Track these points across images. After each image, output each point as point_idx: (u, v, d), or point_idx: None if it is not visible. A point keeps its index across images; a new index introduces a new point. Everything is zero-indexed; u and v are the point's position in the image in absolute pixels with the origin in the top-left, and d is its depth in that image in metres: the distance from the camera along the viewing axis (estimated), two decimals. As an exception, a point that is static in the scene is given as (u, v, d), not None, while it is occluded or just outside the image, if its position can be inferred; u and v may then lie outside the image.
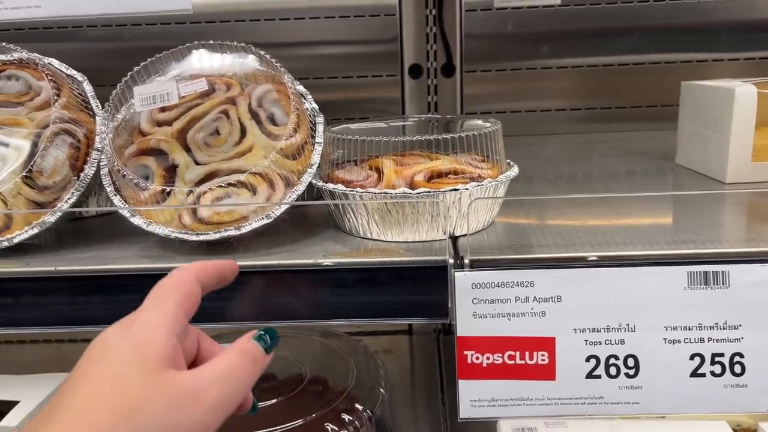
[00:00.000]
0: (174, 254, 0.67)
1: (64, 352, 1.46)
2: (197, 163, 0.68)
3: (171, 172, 0.68)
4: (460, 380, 0.62)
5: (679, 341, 0.60)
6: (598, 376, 0.61)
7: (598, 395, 0.61)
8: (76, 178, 0.70)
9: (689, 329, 0.60)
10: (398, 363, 1.38)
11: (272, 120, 0.71)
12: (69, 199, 0.69)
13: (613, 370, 0.61)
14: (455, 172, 0.69)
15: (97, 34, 1.24)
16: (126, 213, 0.67)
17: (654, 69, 1.28)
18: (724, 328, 0.60)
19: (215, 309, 0.64)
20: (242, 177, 0.66)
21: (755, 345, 0.60)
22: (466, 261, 0.62)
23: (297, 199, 0.68)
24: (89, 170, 0.70)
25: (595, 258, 0.62)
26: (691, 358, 0.60)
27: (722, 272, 0.60)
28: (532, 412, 0.62)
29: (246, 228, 0.66)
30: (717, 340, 0.60)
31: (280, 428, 0.81)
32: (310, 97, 0.76)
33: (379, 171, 0.70)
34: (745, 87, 0.83)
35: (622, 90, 1.29)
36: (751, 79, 0.89)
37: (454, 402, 1.19)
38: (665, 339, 0.61)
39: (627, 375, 0.61)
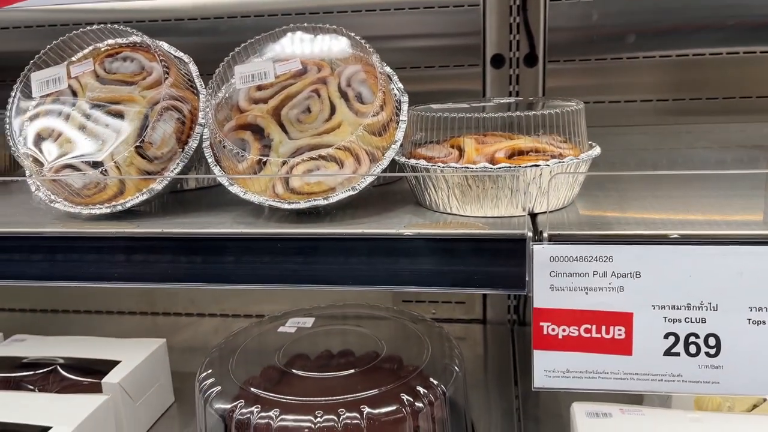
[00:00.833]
0: (266, 221, 0.72)
1: (158, 323, 1.57)
2: (290, 138, 0.73)
3: (266, 146, 0.73)
4: (535, 350, 0.63)
5: (765, 322, 0.59)
6: (677, 354, 0.61)
7: (676, 373, 0.61)
8: (181, 150, 0.76)
9: (775, 310, 0.59)
10: (472, 350, 1.39)
11: (360, 99, 0.75)
12: (174, 169, 0.76)
13: (692, 348, 0.61)
14: (536, 151, 0.70)
15: (196, 27, 1.33)
16: (225, 181, 0.72)
17: (749, 59, 1.23)
18: (813, 311, 0.59)
19: (305, 273, 0.69)
20: (330, 151, 0.70)
21: None
22: (545, 235, 0.63)
23: (381, 173, 0.71)
24: (193, 143, 0.77)
25: (676, 236, 0.62)
26: (776, 339, 0.59)
27: (813, 253, 0.58)
28: (606, 385, 0.62)
29: (333, 198, 0.70)
30: (805, 323, 0.59)
31: (358, 396, 0.85)
32: (396, 78, 0.79)
33: (460, 149, 0.73)
34: None
35: (713, 81, 1.25)
36: None
37: (528, 393, 1.20)
38: (749, 319, 0.60)
39: (707, 354, 0.61)
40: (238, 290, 1.08)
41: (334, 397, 0.85)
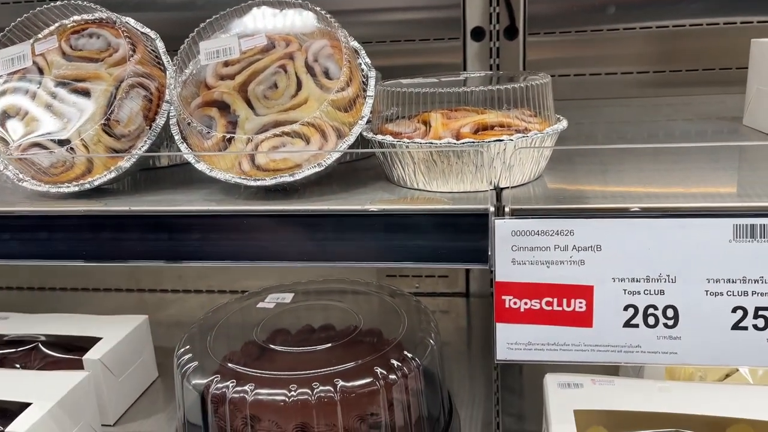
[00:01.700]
0: (235, 199, 0.73)
1: (143, 299, 1.58)
2: (256, 115, 0.73)
3: (232, 122, 0.73)
4: (497, 323, 0.64)
5: (722, 294, 0.60)
6: (636, 326, 0.62)
7: (635, 344, 0.62)
8: (148, 127, 0.76)
9: (732, 282, 0.60)
10: (455, 323, 1.41)
11: (327, 74, 0.74)
12: (142, 147, 0.75)
13: (651, 320, 0.62)
14: (502, 126, 0.70)
15: (168, 2, 1.31)
16: (191, 158, 0.73)
17: (729, 30, 1.22)
18: (769, 282, 0.59)
19: (271, 250, 0.69)
20: (296, 127, 0.70)
21: (802, 300, 0.59)
22: (507, 210, 0.64)
23: (347, 149, 0.71)
24: (160, 120, 0.76)
25: (637, 209, 0.62)
26: (734, 311, 0.60)
27: (769, 225, 0.59)
28: (567, 357, 0.63)
29: (299, 175, 0.70)
30: (762, 294, 0.60)
31: (332, 369, 0.86)
32: (364, 53, 0.79)
33: (427, 124, 0.73)
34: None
35: (693, 53, 1.25)
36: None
37: (509, 364, 1.21)
38: (707, 291, 0.60)
39: (665, 325, 0.61)
40: (224, 267, 1.08)
41: (309, 371, 0.87)
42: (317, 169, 0.70)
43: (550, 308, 0.63)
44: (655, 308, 0.61)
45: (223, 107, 0.74)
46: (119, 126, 0.74)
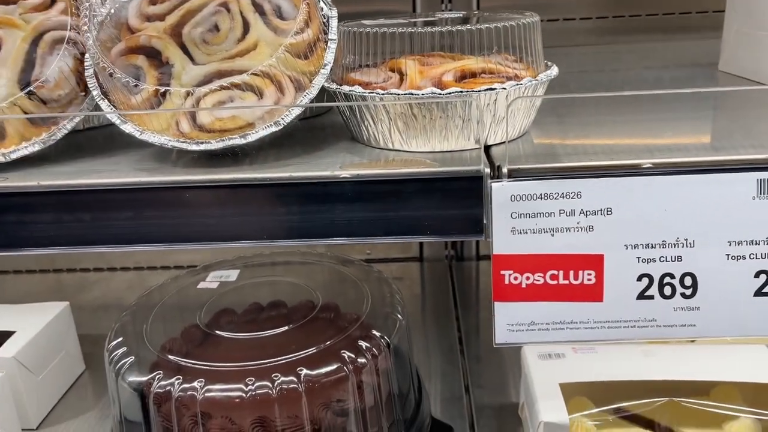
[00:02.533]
0: (172, 166, 0.60)
1: (62, 281, 1.41)
2: (195, 63, 0.60)
3: (165, 73, 0.59)
4: (496, 302, 0.56)
5: (744, 257, 0.54)
6: (651, 297, 0.55)
7: (650, 317, 0.55)
8: (83, 93, 0.62)
9: (756, 244, 0.54)
10: (410, 290, 1.33)
11: (279, 13, 0.62)
12: (75, 117, 0.61)
13: (667, 290, 0.55)
14: (488, 72, 0.60)
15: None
16: (115, 118, 0.59)
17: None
18: (794, 243, 0.54)
19: (221, 228, 0.58)
20: (246, 78, 0.58)
21: (828, 261, 0.54)
22: (504, 171, 0.55)
23: (309, 103, 0.60)
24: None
25: (649, 165, 0.54)
26: (756, 275, 0.54)
27: (797, 180, 0.52)
28: (576, 336, 0.56)
29: (252, 136, 0.58)
30: (786, 257, 0.54)
31: (294, 356, 0.76)
32: (321, -12, 0.66)
33: (400, 72, 0.62)
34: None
35: (653, -3, 1.19)
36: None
37: (469, 331, 1.15)
38: (728, 255, 0.54)
39: (683, 295, 0.55)
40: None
41: (267, 360, 0.76)
42: (273, 128, 0.58)
43: (555, 282, 0.55)
44: (672, 277, 0.55)
45: (153, 55, 0.60)
46: (44, 89, 0.59)
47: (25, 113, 0.59)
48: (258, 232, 0.58)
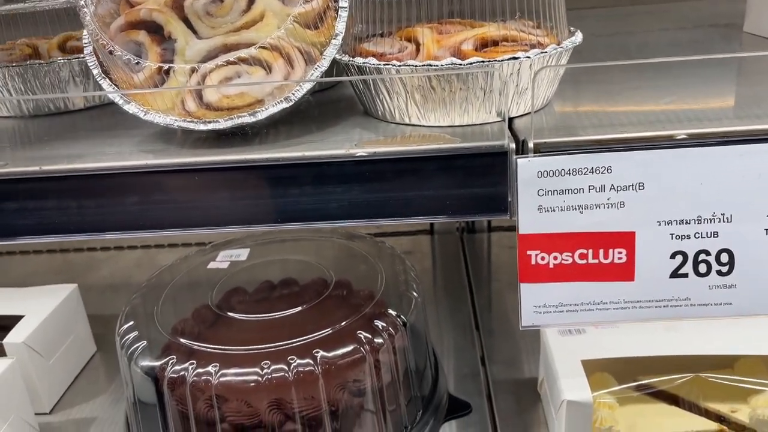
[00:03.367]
0: (179, 147, 0.57)
1: (70, 261, 1.40)
2: (199, 38, 0.57)
3: (168, 48, 0.56)
4: (522, 284, 0.53)
5: (783, 232, 0.51)
6: (685, 275, 0.53)
7: (683, 296, 0.53)
8: None
9: (797, 218, 0.51)
10: (420, 263, 1.31)
11: (285, -19, 0.58)
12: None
13: (702, 268, 0.52)
14: (508, 40, 0.57)
15: None
16: (118, 98, 0.56)
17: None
18: (837, 216, 0.51)
19: (233, 211, 0.55)
20: (253, 51, 0.54)
21: None
22: (530, 145, 0.52)
23: (321, 78, 0.57)
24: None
25: (684, 136, 0.51)
26: (797, 251, 0.51)
27: (842, 149, 0.49)
28: (606, 317, 0.54)
29: (262, 114, 0.55)
30: (828, 230, 0.51)
31: (309, 338, 0.74)
32: (329, -48, 0.62)
33: (416, 42, 0.59)
34: None
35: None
36: None
37: (484, 303, 1.13)
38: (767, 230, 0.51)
39: (719, 273, 0.52)
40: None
41: (282, 343, 0.74)
42: (284, 105, 0.55)
43: (584, 262, 0.53)
44: (708, 254, 0.52)
45: (155, 29, 0.57)
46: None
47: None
48: (271, 215, 0.55)
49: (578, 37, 0.61)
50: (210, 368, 0.72)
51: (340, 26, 0.58)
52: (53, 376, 0.94)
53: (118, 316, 0.83)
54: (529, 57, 0.54)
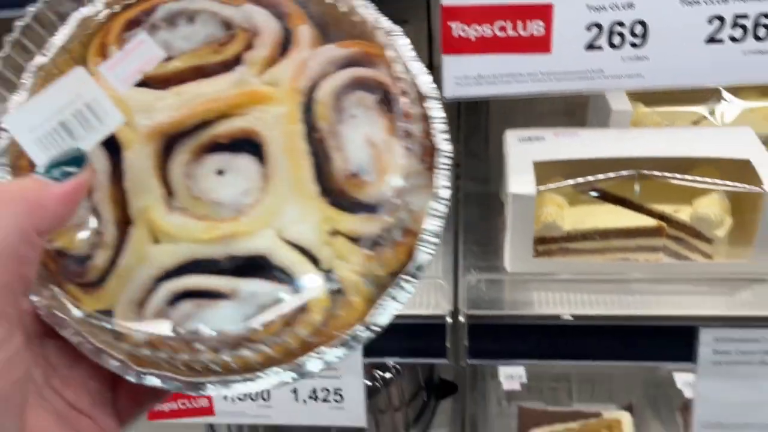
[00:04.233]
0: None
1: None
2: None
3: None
4: (444, 56, 0.56)
5: (698, 2, 0.52)
6: (599, 47, 0.55)
7: (597, 68, 0.56)
8: None
9: (711, -13, 0.52)
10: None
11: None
12: None
13: (616, 40, 0.54)
14: None
15: None
16: None
17: None
18: (754, -15, 0.51)
19: None
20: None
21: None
22: None
23: None
24: None
25: None
26: (710, 21, 0.53)
27: None
28: (523, 89, 0.57)
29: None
30: (742, 0, 0.52)
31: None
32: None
33: None
34: None
35: None
36: None
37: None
38: (682, 0, 0.53)
39: (632, 44, 0.54)
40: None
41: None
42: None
43: (503, 34, 0.55)
44: (622, 25, 0.54)
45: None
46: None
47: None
48: None
49: None
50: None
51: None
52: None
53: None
54: None
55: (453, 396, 1.22)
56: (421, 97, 0.36)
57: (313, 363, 0.33)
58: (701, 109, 0.91)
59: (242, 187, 0.35)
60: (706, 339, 0.70)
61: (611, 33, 0.54)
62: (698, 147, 0.79)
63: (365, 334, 0.34)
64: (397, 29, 0.36)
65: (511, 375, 1.02)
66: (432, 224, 0.34)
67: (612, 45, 0.54)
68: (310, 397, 0.76)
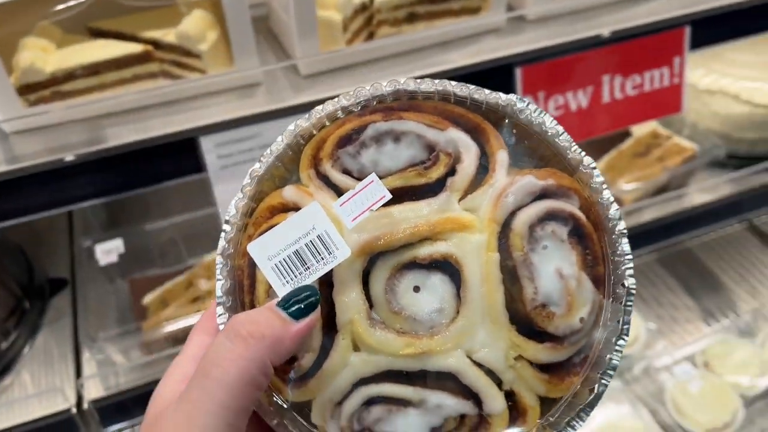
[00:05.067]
0: None
1: None
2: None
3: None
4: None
5: None
6: None
7: None
8: None
9: None
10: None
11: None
12: None
13: None
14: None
15: None
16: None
17: None
18: None
19: None
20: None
21: None
22: None
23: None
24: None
25: None
26: None
27: None
28: None
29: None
30: None
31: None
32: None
33: None
34: None
35: None
36: None
37: None
38: None
39: None
40: None
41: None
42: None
43: None
44: None
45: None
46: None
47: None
48: None
49: None
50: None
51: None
52: None
53: None
54: None
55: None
56: (609, 231, 0.40)
57: None
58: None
59: (436, 305, 0.38)
60: (208, 146, 0.77)
61: None
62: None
63: None
64: (588, 161, 0.40)
65: (109, 249, 1.00)
66: (614, 359, 0.38)
67: None
68: None
